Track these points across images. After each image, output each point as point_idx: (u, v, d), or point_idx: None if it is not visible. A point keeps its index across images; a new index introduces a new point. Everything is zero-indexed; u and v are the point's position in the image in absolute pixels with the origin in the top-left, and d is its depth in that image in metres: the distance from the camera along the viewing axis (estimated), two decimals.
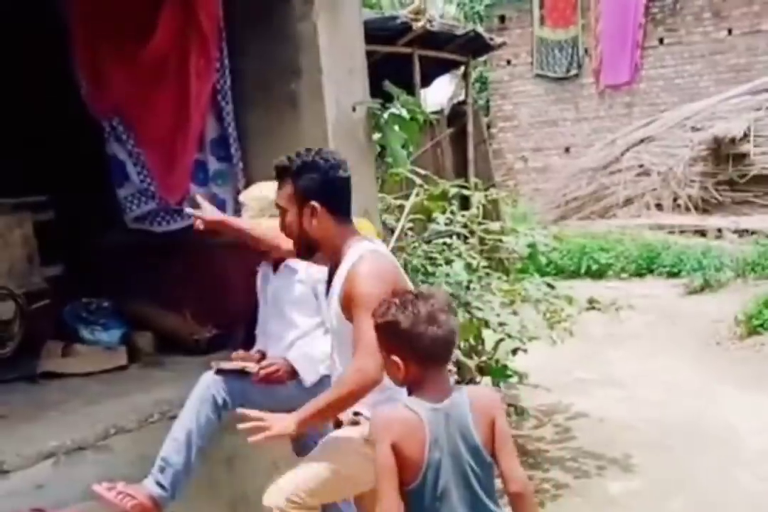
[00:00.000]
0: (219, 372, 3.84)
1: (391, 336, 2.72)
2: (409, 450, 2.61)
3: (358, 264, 3.08)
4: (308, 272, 3.96)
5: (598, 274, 12.52)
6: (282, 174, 3.24)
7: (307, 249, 3.27)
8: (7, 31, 5.35)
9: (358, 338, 2.99)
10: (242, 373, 3.84)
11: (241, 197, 4.17)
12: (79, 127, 5.28)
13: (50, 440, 3.71)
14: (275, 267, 4.13)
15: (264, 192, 3.99)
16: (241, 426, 3.04)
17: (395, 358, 2.70)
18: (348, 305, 3.08)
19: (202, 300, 5.21)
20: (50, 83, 5.46)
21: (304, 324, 3.98)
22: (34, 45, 5.46)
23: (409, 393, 2.75)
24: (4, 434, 3.90)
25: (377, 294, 2.89)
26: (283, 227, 3.28)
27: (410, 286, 3.16)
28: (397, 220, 5.88)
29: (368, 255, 3.12)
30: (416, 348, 2.67)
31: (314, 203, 3.14)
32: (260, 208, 3.98)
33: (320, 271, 3.89)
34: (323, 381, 3.82)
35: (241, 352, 4.10)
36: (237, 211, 4.94)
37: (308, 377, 3.84)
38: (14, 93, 5.44)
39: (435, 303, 2.68)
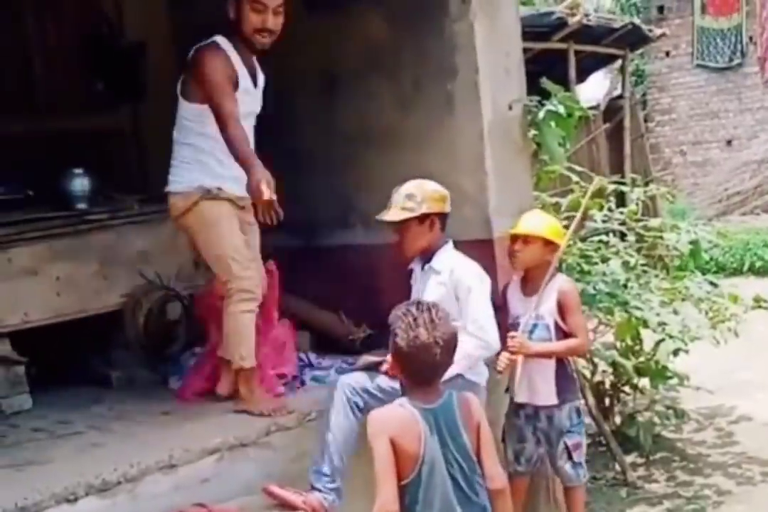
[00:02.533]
0: (356, 369, 4.05)
1: (391, 341, 2.98)
2: (406, 445, 2.83)
3: None
4: (451, 275, 4.01)
5: (763, 271, 12.07)
6: None
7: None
8: None
9: None
10: (373, 369, 3.96)
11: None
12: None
13: (214, 437, 3.82)
14: (423, 267, 4.18)
15: (406, 185, 4.12)
16: None
17: (389, 358, 3.11)
18: None
19: (356, 300, 5.27)
20: None
21: None
22: None
23: (402, 394, 3.05)
24: (171, 430, 4.05)
25: None
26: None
27: None
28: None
29: None
30: (403, 365, 2.97)
31: None
32: (394, 200, 4.10)
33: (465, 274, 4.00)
34: (455, 380, 3.85)
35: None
36: None
37: None
38: None
39: (437, 335, 2.89)
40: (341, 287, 5.32)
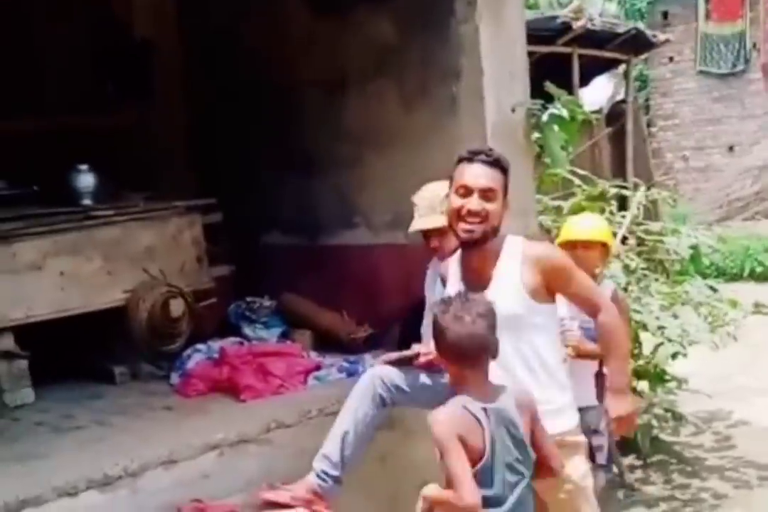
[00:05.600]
0: (387, 363, 3.85)
1: (435, 335, 2.96)
2: (472, 444, 2.80)
3: (536, 245, 3.32)
4: None
5: (763, 277, 12.12)
6: (495, 164, 3.24)
7: (485, 237, 3.24)
8: None
9: (588, 292, 3.31)
10: (406, 364, 3.87)
11: (413, 199, 4.13)
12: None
13: (215, 432, 3.85)
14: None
15: (433, 189, 4.01)
16: None
17: (421, 347, 3.16)
18: (552, 281, 3.21)
19: (358, 299, 5.31)
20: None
21: None
22: None
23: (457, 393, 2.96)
24: (172, 425, 4.09)
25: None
26: (478, 211, 3.19)
27: None
28: (554, 221, 5.83)
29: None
30: (445, 346, 2.93)
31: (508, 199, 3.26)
32: (430, 206, 3.96)
33: None
34: None
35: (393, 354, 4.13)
36: None
37: None
38: None
39: (472, 308, 2.89)
40: (343, 286, 5.36)
